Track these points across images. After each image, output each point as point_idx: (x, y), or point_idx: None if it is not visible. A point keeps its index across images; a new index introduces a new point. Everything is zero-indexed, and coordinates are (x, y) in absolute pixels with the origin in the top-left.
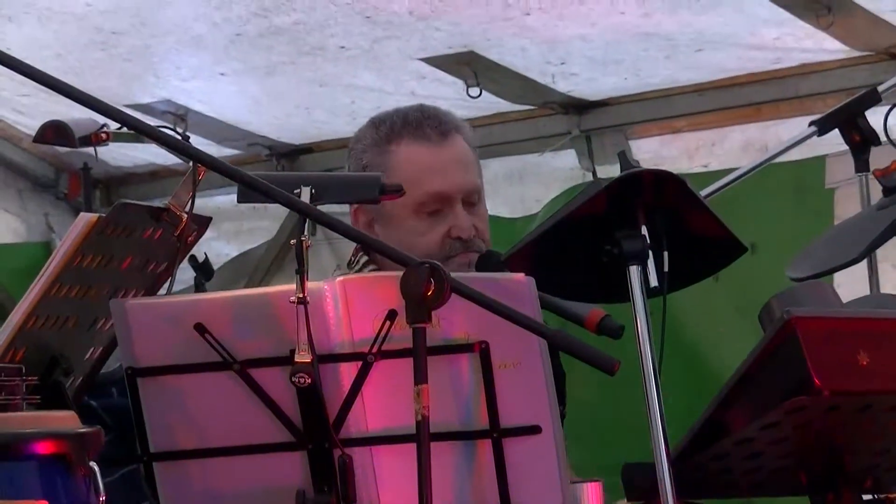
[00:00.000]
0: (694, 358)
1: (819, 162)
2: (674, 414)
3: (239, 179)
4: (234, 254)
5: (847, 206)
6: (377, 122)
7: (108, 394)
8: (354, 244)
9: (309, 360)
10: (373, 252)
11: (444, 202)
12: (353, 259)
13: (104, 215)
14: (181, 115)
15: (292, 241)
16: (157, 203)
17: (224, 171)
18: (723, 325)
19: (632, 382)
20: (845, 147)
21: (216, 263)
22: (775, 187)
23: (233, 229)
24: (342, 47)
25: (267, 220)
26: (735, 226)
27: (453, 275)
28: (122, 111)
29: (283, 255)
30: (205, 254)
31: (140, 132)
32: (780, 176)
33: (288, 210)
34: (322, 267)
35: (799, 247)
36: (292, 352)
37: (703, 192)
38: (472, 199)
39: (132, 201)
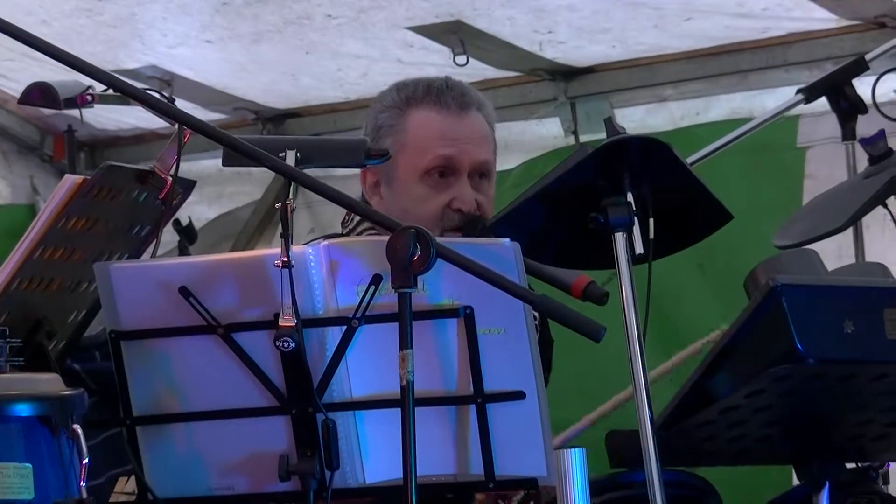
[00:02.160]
0: (657, 316)
1: (791, 122)
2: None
3: (225, 142)
4: None
5: (819, 167)
6: (400, 86)
7: (92, 357)
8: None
9: (293, 325)
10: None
11: (451, 171)
12: (346, 218)
13: (89, 177)
14: (167, 81)
15: (277, 205)
16: (142, 166)
17: (209, 134)
18: (686, 283)
19: (615, 348)
20: (822, 107)
21: (198, 227)
22: (745, 144)
23: (216, 193)
24: (329, 16)
25: (250, 185)
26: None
27: (439, 240)
28: (108, 73)
29: (269, 219)
30: (189, 217)
31: (126, 94)
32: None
33: (273, 174)
34: (299, 230)
35: (767, 204)
36: (276, 316)
37: (689, 160)
38: (480, 175)
39: (118, 163)
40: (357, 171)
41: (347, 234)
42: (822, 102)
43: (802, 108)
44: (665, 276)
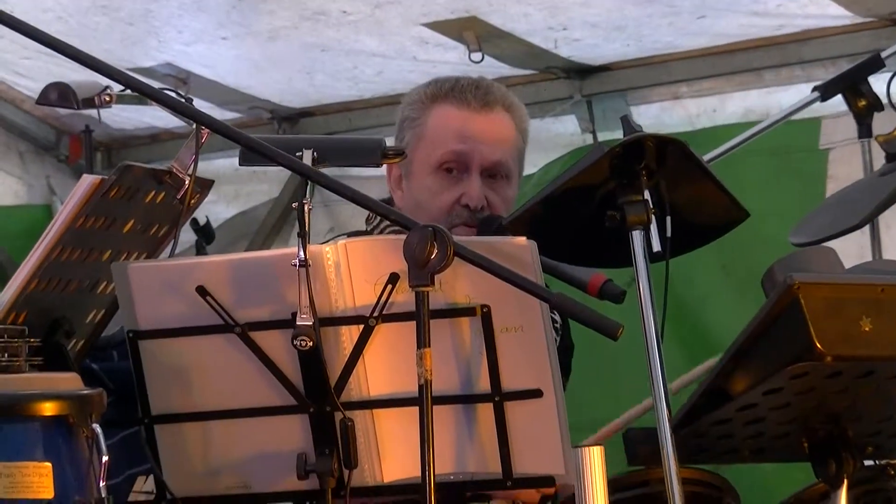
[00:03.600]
0: (680, 317)
1: (814, 123)
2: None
3: (242, 142)
4: None
5: (841, 168)
6: (432, 82)
7: (109, 357)
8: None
9: (310, 324)
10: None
11: (462, 167)
12: (370, 216)
13: (107, 177)
14: (183, 79)
15: (294, 205)
16: (159, 166)
17: (227, 134)
18: (709, 284)
19: (633, 347)
20: (843, 108)
21: (215, 226)
22: (768, 146)
23: (232, 192)
24: (344, 12)
25: (266, 184)
26: (725, 185)
27: (456, 238)
28: (126, 73)
29: (286, 218)
30: (206, 217)
31: (144, 94)
32: (773, 135)
33: (290, 173)
34: (316, 230)
35: (789, 206)
36: (294, 315)
37: (706, 157)
38: (494, 173)
39: (136, 163)
40: (374, 170)
41: (371, 232)
42: (844, 104)
43: (824, 110)
44: (688, 278)
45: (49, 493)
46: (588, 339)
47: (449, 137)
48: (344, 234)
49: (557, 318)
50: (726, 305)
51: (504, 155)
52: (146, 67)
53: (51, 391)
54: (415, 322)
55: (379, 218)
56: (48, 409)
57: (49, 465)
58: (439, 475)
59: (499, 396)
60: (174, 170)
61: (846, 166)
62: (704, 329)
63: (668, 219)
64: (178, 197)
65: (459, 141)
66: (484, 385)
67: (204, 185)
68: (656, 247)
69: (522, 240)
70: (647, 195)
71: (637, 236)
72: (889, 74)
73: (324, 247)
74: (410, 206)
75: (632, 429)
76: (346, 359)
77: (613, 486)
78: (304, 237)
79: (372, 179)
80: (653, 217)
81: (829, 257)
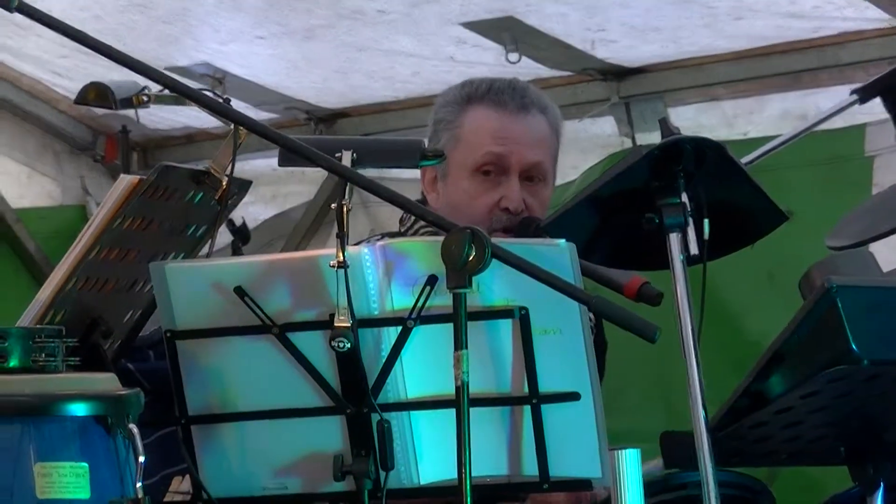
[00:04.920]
0: (726, 324)
1: (858, 130)
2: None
3: (281, 143)
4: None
5: (886, 175)
6: (466, 83)
7: (145, 357)
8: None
9: (348, 325)
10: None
11: (500, 170)
12: (404, 217)
13: (145, 177)
14: (219, 79)
15: (333, 205)
16: (196, 166)
17: (266, 135)
18: (756, 292)
19: (669, 350)
20: (886, 115)
21: (251, 227)
22: (813, 155)
23: (269, 193)
24: (381, 11)
25: (303, 185)
26: (771, 194)
27: (494, 240)
28: (164, 73)
29: (322, 219)
30: (242, 218)
31: (183, 95)
32: (818, 144)
33: (325, 174)
34: (358, 231)
35: (835, 214)
36: (332, 316)
37: (743, 160)
38: (532, 175)
39: (173, 164)
40: (407, 171)
41: (405, 233)
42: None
43: (868, 117)
44: (733, 285)
45: (86, 493)
46: (627, 344)
47: (487, 140)
48: (378, 235)
49: (592, 316)
50: (770, 313)
51: (541, 156)
52: (182, 67)
53: (89, 391)
54: (452, 324)
55: (413, 219)
56: (86, 409)
57: (86, 465)
58: (475, 477)
59: (536, 399)
60: (212, 170)
61: (892, 173)
62: (748, 336)
63: (706, 221)
64: (216, 197)
65: (497, 143)
66: (521, 387)
67: (242, 186)
68: (693, 249)
69: (562, 242)
70: (684, 198)
71: (674, 239)
72: None
73: (362, 248)
74: (446, 208)
75: (668, 432)
76: (384, 360)
77: (650, 489)
78: (342, 238)
79: (405, 181)
80: (690, 220)
81: (866, 261)
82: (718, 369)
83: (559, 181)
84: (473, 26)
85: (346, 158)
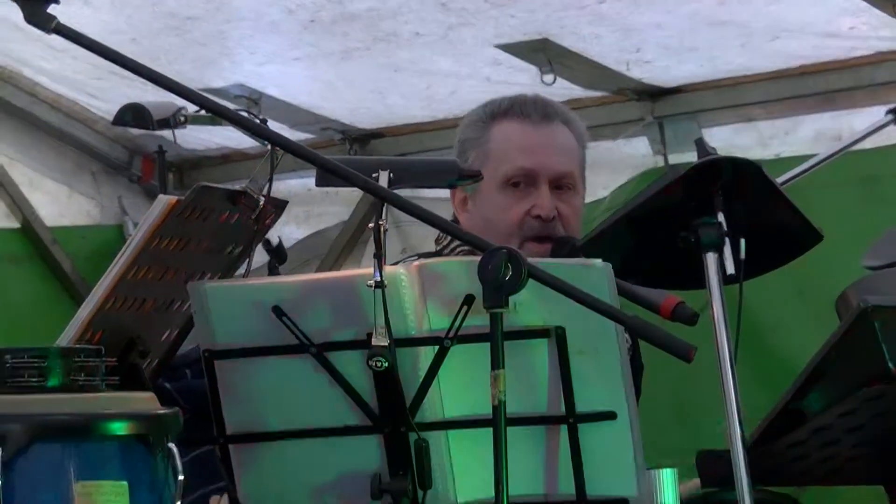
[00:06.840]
0: (755, 342)
1: (893, 150)
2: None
3: (318, 164)
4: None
5: None
6: (488, 103)
7: (182, 375)
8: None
9: (386, 344)
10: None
11: (530, 181)
12: (440, 237)
13: (183, 198)
14: (255, 100)
15: (370, 225)
16: (233, 186)
17: (303, 155)
18: (785, 310)
19: (704, 369)
20: None
21: (286, 247)
22: (846, 174)
23: (303, 213)
24: (417, 34)
25: (338, 205)
26: (805, 214)
27: (530, 260)
28: (201, 94)
29: (356, 239)
30: (278, 237)
31: (220, 115)
32: (851, 163)
33: (361, 194)
34: (390, 251)
35: (867, 233)
36: (369, 335)
37: (779, 180)
38: (561, 185)
39: (210, 184)
40: (439, 191)
41: (441, 253)
42: None
43: None
44: (765, 303)
45: None
46: (662, 363)
47: (514, 152)
48: (415, 255)
49: (628, 337)
50: (800, 331)
51: (569, 165)
52: (217, 88)
53: (129, 411)
54: (489, 343)
55: (449, 238)
56: (126, 428)
57: (126, 484)
58: (512, 496)
59: (573, 418)
60: (248, 190)
61: None
62: (780, 354)
63: (743, 241)
64: (253, 217)
65: (525, 155)
66: (557, 407)
67: (278, 206)
68: (730, 269)
69: (598, 262)
70: (721, 217)
71: (711, 258)
72: None
73: (399, 267)
74: (478, 226)
75: (705, 450)
76: (421, 380)
77: None
78: (379, 258)
79: (434, 200)
80: (727, 239)
81: None
82: (748, 387)
83: (589, 198)
84: (509, 48)
85: (383, 178)
